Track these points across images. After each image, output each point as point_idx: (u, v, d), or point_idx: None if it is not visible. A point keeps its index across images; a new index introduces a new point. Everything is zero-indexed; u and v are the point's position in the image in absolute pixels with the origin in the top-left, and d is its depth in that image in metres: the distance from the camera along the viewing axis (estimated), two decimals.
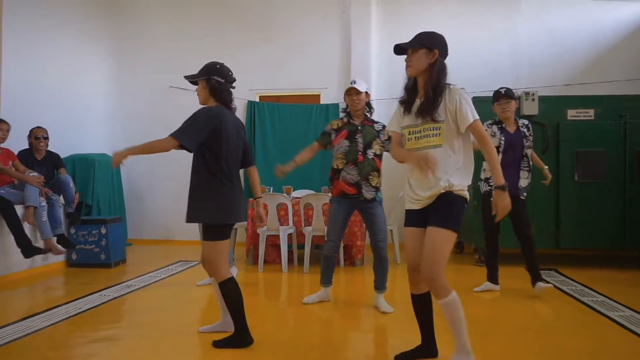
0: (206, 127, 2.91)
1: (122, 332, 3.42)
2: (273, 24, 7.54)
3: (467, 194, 2.54)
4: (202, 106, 3.06)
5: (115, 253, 5.83)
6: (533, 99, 5.64)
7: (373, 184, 3.85)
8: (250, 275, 5.35)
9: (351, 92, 3.89)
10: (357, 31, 7.25)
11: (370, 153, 3.86)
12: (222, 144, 2.96)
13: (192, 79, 3.13)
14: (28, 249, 4.89)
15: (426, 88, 2.52)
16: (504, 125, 4.34)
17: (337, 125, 4.01)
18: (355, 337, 3.41)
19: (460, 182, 2.50)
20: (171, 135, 2.84)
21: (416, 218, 2.60)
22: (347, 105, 3.99)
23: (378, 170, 3.88)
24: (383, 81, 7.11)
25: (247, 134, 7.26)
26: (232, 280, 3.04)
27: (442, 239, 2.46)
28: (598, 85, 6.68)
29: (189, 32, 7.68)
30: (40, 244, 5.17)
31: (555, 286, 4.64)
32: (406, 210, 2.66)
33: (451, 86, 2.53)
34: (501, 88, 4.35)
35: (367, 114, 3.98)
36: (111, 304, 4.17)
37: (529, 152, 4.36)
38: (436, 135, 2.50)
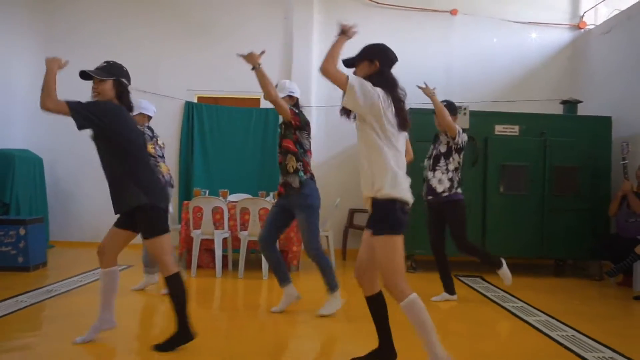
0: (109, 115, 2.89)
1: (40, 340, 3.21)
2: (214, 27, 7.41)
3: (395, 194, 2.47)
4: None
5: (35, 256, 5.45)
6: (465, 113, 5.89)
7: (291, 170, 3.81)
8: None
9: None
10: (298, 37, 7.29)
11: (282, 148, 3.87)
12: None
13: (99, 77, 2.97)
14: None
15: None
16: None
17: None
18: (289, 344, 3.40)
19: (381, 185, 2.46)
20: (69, 104, 2.81)
21: (368, 220, 2.63)
22: None
23: (292, 153, 3.81)
24: (323, 88, 7.18)
25: (185, 135, 7.24)
26: (178, 274, 2.98)
27: (383, 246, 2.48)
28: (522, 103, 7.13)
29: (124, 28, 7.38)
30: None
31: (480, 292, 4.88)
32: None
33: None
34: (443, 101, 4.35)
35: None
36: (28, 310, 3.89)
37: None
38: (359, 131, 2.59)
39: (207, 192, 5.86)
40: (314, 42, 7.33)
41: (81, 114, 2.82)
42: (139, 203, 2.91)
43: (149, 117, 4.66)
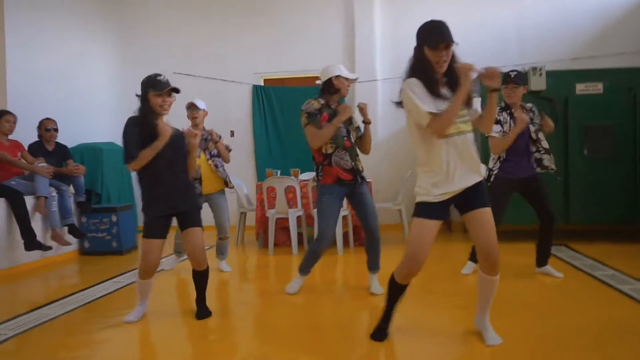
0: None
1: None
2: (275, 6, 7.48)
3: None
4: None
5: (127, 240, 5.89)
6: (540, 74, 5.57)
7: (361, 167, 3.72)
8: (262, 258, 5.41)
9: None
10: (360, 10, 7.17)
11: (352, 137, 3.70)
12: None
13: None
14: (30, 243, 4.86)
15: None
16: (512, 110, 4.02)
17: (318, 105, 3.66)
18: (366, 318, 3.44)
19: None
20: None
21: (443, 210, 2.58)
22: (325, 86, 3.73)
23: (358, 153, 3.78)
24: (387, 60, 7.05)
25: (259, 118, 7.44)
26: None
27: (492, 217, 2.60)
28: (606, 58, 6.58)
29: (191, 17, 7.64)
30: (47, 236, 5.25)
31: (566, 261, 4.64)
32: (430, 202, 2.55)
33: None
34: (512, 71, 4.01)
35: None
36: (125, 290, 4.23)
37: (540, 135, 4.06)
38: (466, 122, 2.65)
39: (279, 172, 5.99)
40: (376, 14, 7.18)
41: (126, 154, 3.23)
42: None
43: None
